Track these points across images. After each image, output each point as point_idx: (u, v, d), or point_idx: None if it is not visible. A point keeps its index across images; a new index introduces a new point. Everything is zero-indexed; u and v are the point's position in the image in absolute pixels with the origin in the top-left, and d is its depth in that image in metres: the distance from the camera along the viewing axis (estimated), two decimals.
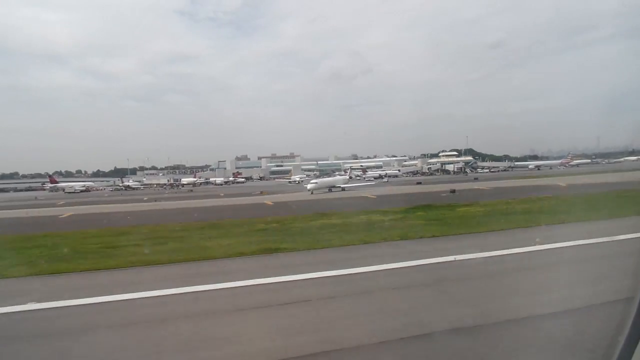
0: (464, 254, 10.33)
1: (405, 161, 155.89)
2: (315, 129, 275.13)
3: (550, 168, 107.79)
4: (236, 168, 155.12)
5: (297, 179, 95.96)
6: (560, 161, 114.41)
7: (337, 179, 67.67)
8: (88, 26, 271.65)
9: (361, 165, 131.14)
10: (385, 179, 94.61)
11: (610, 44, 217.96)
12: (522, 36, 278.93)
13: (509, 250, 10.66)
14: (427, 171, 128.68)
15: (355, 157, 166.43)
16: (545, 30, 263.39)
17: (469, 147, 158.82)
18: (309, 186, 54.22)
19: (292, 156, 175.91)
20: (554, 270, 9.17)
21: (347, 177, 71.18)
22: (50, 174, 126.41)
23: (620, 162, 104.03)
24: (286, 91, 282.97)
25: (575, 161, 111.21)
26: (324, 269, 9.74)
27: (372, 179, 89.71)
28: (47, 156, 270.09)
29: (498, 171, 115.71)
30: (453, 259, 10.00)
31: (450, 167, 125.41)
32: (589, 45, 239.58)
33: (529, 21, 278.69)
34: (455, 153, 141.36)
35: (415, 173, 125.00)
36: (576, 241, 11.01)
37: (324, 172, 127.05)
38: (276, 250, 12.70)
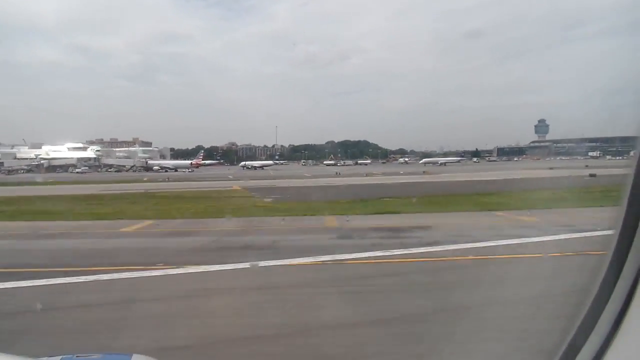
0: None
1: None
2: (303, 114, 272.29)
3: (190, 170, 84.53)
4: None
5: None
6: (190, 162, 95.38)
7: None
8: (75, 2, 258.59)
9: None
10: None
11: (605, 39, 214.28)
12: (518, 28, 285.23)
13: None
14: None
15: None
16: (541, 23, 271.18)
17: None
18: None
19: (133, 142, 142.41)
20: None
21: None
22: None
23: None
24: (276, 74, 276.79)
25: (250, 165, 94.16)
26: None
27: None
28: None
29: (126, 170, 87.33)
30: None
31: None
32: (584, 40, 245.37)
33: (525, 13, 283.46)
34: (81, 146, 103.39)
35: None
36: None
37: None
38: None
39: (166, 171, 75.68)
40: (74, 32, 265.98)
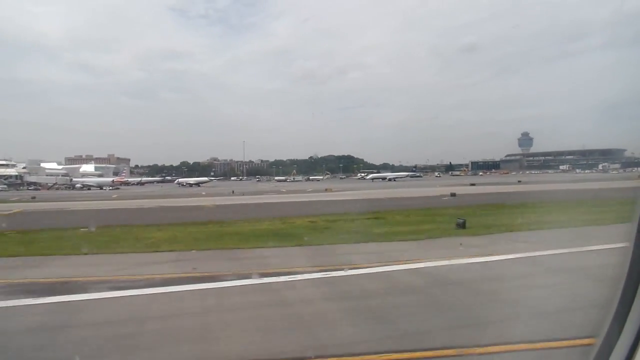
0: None
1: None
2: (296, 130, 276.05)
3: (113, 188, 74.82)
4: None
5: None
6: (112, 179, 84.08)
7: None
8: (78, 19, 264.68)
9: None
10: None
11: (602, 53, 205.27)
12: (516, 43, 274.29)
13: None
14: None
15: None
16: (539, 37, 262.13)
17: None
18: None
19: (108, 158, 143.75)
20: None
21: None
22: None
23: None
24: (273, 91, 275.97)
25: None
26: None
27: None
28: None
29: None
30: None
31: None
32: (582, 54, 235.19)
33: (523, 28, 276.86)
34: (3, 163, 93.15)
35: None
36: None
37: None
38: None
39: (89, 189, 73.11)
40: (77, 49, 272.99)
